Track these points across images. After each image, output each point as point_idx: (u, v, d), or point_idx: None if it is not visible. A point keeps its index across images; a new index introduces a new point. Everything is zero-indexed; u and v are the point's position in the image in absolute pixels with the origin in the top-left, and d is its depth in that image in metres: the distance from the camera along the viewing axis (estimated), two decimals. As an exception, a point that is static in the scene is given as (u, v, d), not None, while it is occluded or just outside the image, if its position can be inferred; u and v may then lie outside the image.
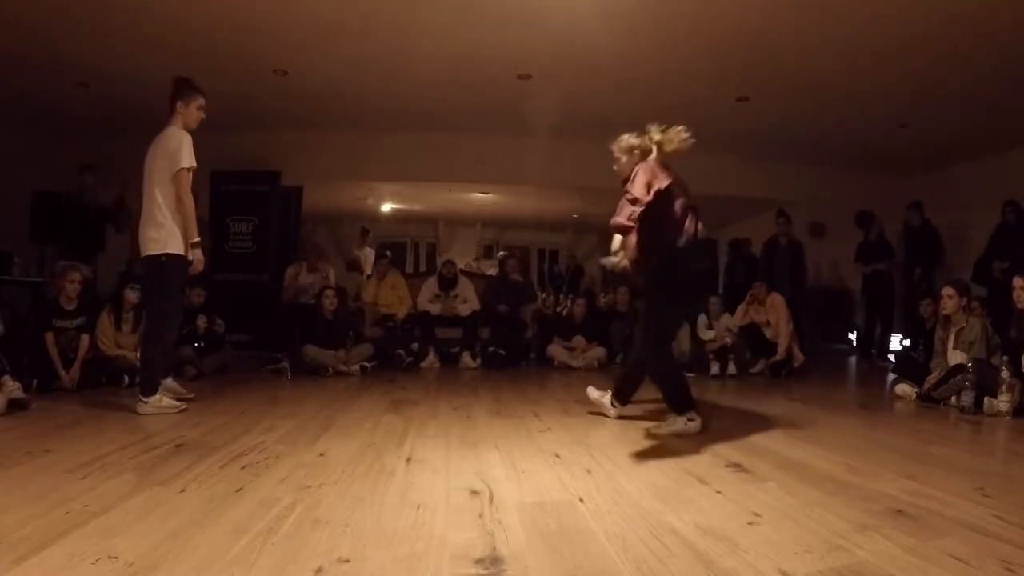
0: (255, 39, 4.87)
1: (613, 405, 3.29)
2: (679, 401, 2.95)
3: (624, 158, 3.00)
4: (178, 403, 3.30)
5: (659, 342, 2.99)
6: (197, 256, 3.27)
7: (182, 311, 3.61)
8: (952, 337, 4.07)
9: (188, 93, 3.31)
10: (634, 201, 2.69)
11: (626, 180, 2.88)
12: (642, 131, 2.99)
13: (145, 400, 3.19)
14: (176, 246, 3.22)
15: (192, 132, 3.33)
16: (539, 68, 5.38)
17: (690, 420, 2.91)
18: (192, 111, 3.31)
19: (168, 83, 3.36)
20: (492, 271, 9.31)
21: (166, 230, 3.20)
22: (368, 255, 9.75)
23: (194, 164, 3.24)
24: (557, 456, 2.44)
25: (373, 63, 5.34)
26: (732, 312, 5.94)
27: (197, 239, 3.26)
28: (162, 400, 3.25)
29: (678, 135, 2.92)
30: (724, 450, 2.58)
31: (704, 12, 4.32)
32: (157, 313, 3.36)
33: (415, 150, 7.41)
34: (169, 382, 3.56)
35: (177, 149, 3.19)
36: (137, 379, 4.18)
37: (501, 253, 8.50)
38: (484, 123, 6.98)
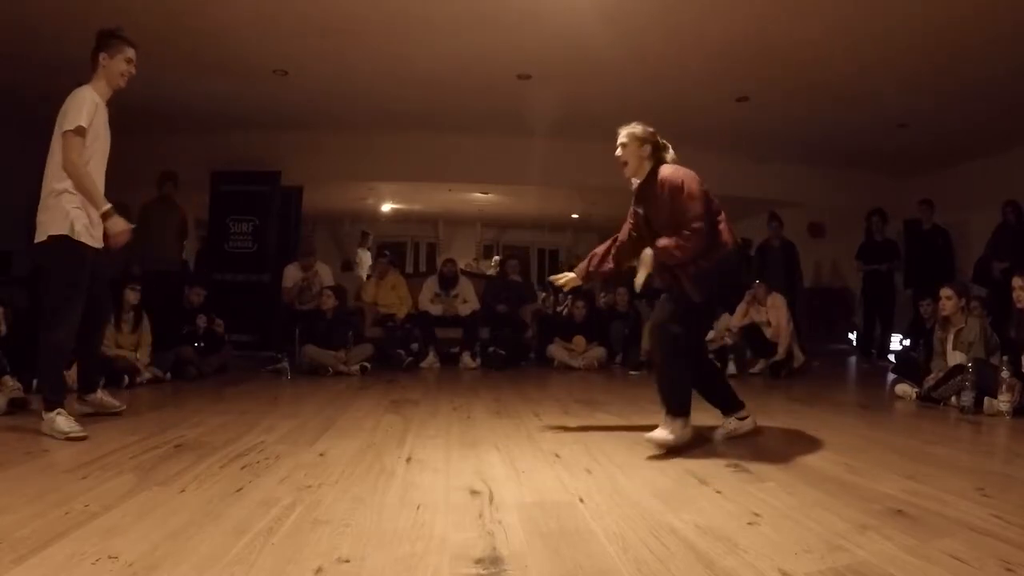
0: (255, 39, 4.87)
1: (742, 418, 2.89)
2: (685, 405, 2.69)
3: (633, 146, 2.72)
4: (77, 428, 2.60)
5: (684, 343, 2.70)
6: (113, 226, 2.75)
7: (81, 304, 2.81)
8: (951, 338, 4.07)
9: (113, 43, 2.83)
10: (699, 218, 2.51)
11: (642, 183, 2.73)
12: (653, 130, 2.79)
13: (43, 415, 2.65)
14: (59, 227, 2.70)
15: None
16: (539, 68, 5.39)
17: (685, 426, 2.62)
18: (119, 64, 2.82)
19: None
20: (491, 271, 9.34)
21: (49, 212, 2.71)
22: (365, 257, 9.77)
23: (81, 123, 2.68)
24: (557, 456, 2.44)
25: (373, 63, 5.34)
26: (732, 312, 5.93)
27: (107, 206, 2.74)
28: (57, 420, 2.60)
29: (672, 155, 2.78)
30: (724, 450, 2.58)
31: (704, 12, 4.32)
32: (48, 309, 2.76)
33: (415, 150, 7.41)
34: (98, 395, 3.10)
35: (67, 109, 2.69)
36: (139, 379, 4.21)
37: (497, 258, 8.50)
38: (484, 123, 6.98)
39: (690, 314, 2.64)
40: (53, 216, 2.71)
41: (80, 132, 2.69)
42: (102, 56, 2.84)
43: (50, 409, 2.64)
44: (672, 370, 2.66)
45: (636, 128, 2.74)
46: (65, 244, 2.71)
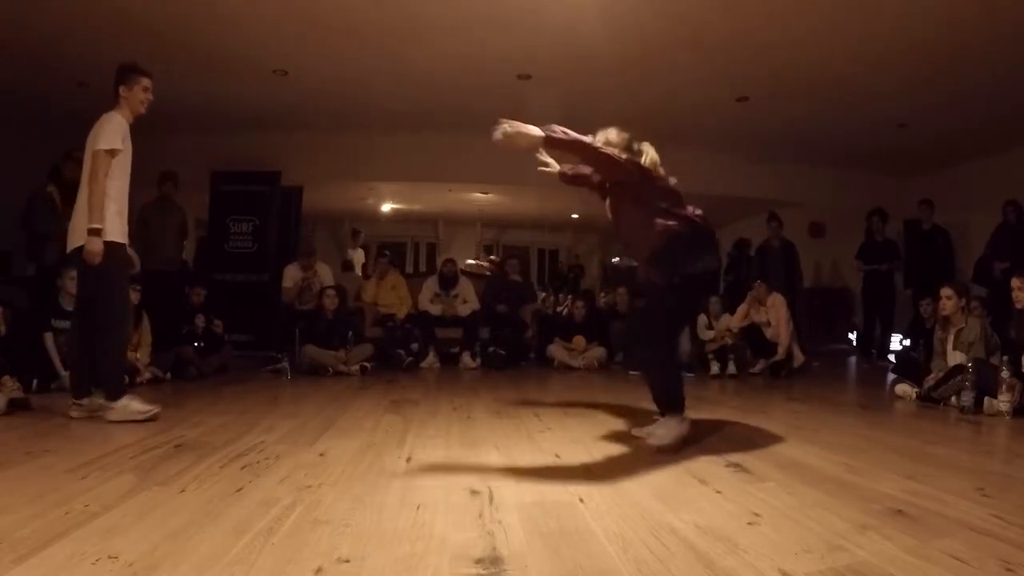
0: (255, 39, 4.87)
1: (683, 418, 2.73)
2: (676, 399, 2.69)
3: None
4: (151, 407, 2.99)
5: (662, 339, 2.75)
6: (88, 244, 2.93)
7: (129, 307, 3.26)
8: (951, 338, 4.07)
9: (130, 76, 3.10)
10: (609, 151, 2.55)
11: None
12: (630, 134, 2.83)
13: (111, 405, 2.97)
14: (114, 233, 3.02)
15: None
16: (539, 68, 5.38)
17: (682, 420, 2.65)
18: (137, 94, 3.10)
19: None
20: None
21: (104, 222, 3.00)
22: (359, 256, 9.75)
23: (115, 146, 3.00)
24: (557, 456, 2.44)
25: (373, 63, 5.34)
26: (733, 312, 5.93)
27: (96, 226, 2.94)
28: (130, 405, 2.97)
29: (652, 157, 2.77)
30: (724, 450, 2.58)
31: (704, 13, 4.32)
32: (111, 310, 3.06)
33: (415, 150, 7.41)
34: (92, 400, 3.09)
35: (100, 130, 3.01)
36: (138, 380, 4.21)
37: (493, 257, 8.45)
38: (484, 123, 6.90)
39: (660, 304, 2.70)
40: (110, 224, 3.02)
41: (112, 153, 3.02)
42: (122, 89, 3.11)
43: (117, 398, 2.99)
44: (660, 367, 2.71)
45: (610, 133, 2.79)
46: (119, 249, 3.06)
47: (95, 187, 2.96)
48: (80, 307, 3.21)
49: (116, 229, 3.04)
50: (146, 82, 3.14)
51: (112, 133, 3.00)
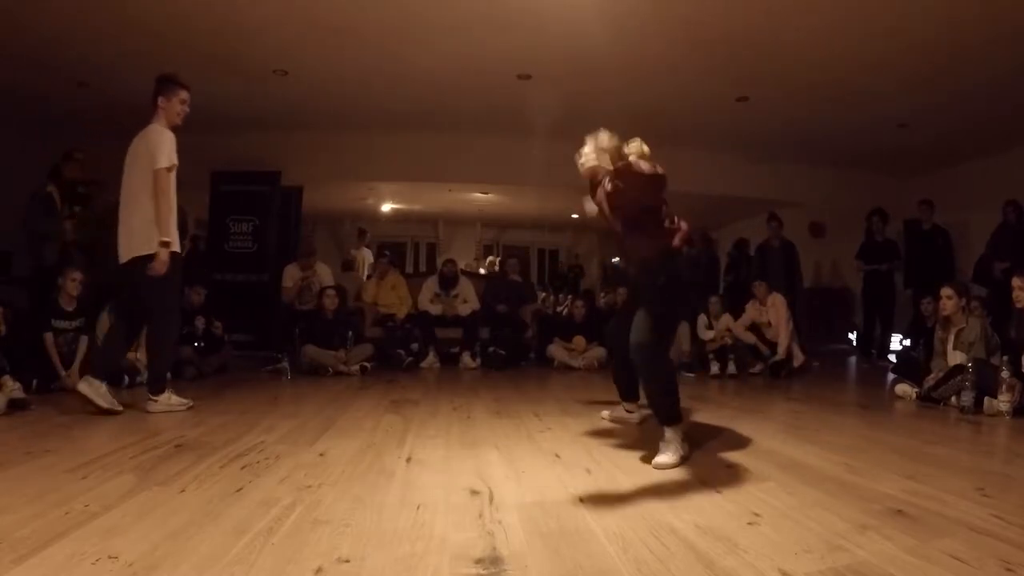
0: (255, 39, 4.87)
1: (629, 411, 3.21)
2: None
3: (594, 154, 2.78)
4: (185, 400, 3.35)
5: (661, 348, 2.63)
6: (159, 256, 3.15)
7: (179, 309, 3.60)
8: (952, 338, 4.07)
9: (170, 88, 3.27)
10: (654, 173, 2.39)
11: (595, 182, 2.79)
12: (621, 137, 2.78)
13: (155, 399, 3.27)
14: (175, 245, 3.27)
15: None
16: (539, 68, 5.38)
17: (683, 442, 2.43)
18: (175, 105, 3.27)
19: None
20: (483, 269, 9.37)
21: (153, 231, 3.20)
22: (365, 256, 9.76)
23: (174, 163, 3.22)
24: (557, 456, 2.44)
25: (373, 63, 5.34)
26: (733, 312, 5.92)
27: (166, 239, 3.18)
28: (171, 398, 3.31)
29: (645, 149, 2.66)
30: (724, 450, 2.58)
31: (704, 12, 4.32)
32: (164, 314, 3.33)
33: (415, 150, 7.41)
34: (103, 387, 3.18)
35: (157, 148, 3.17)
36: (138, 379, 4.22)
37: (491, 258, 8.46)
38: (484, 123, 6.98)
39: (651, 310, 2.56)
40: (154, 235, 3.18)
41: (171, 170, 3.20)
42: (160, 100, 3.25)
43: (161, 392, 3.28)
44: (659, 378, 2.53)
45: (601, 138, 2.79)
46: (176, 257, 3.27)
47: (163, 203, 3.17)
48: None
49: (176, 241, 3.29)
50: (184, 94, 3.29)
51: (171, 150, 3.19)
